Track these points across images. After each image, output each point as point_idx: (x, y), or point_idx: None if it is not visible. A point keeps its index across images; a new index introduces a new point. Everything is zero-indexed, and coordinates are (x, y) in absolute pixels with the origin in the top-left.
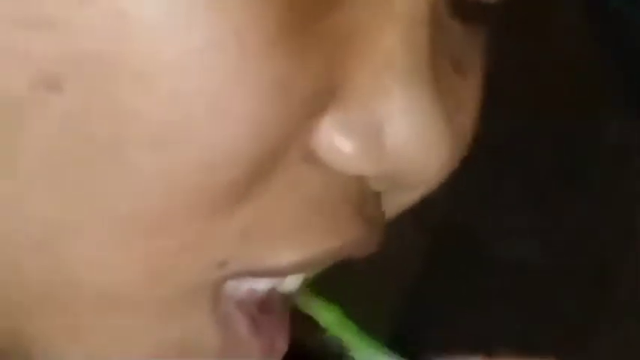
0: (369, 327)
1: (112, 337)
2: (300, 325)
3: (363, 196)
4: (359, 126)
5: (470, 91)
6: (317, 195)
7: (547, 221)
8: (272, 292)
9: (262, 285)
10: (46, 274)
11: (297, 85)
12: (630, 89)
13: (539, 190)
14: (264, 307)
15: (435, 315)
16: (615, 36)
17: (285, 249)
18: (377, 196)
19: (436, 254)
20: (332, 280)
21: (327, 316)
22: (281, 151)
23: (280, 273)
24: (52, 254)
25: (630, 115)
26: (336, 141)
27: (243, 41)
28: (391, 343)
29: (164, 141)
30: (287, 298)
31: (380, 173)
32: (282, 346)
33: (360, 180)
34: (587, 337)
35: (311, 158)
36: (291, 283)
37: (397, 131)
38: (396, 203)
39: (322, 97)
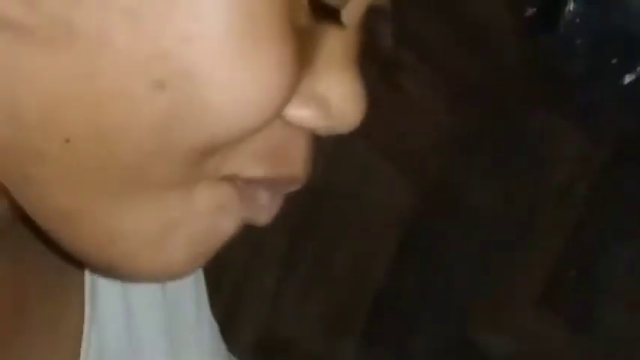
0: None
1: None
2: None
3: (306, 146)
4: (313, 98)
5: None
6: (278, 142)
7: (497, 179)
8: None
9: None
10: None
11: (294, 69)
12: (551, 89)
13: (494, 162)
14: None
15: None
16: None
17: (253, 168)
18: (311, 144)
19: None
20: (328, 235)
21: None
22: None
23: (247, 181)
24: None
25: (550, 109)
26: (300, 109)
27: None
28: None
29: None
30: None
31: (326, 125)
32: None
33: (306, 131)
34: (519, 254)
35: (281, 119)
36: None
37: (339, 97)
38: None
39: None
